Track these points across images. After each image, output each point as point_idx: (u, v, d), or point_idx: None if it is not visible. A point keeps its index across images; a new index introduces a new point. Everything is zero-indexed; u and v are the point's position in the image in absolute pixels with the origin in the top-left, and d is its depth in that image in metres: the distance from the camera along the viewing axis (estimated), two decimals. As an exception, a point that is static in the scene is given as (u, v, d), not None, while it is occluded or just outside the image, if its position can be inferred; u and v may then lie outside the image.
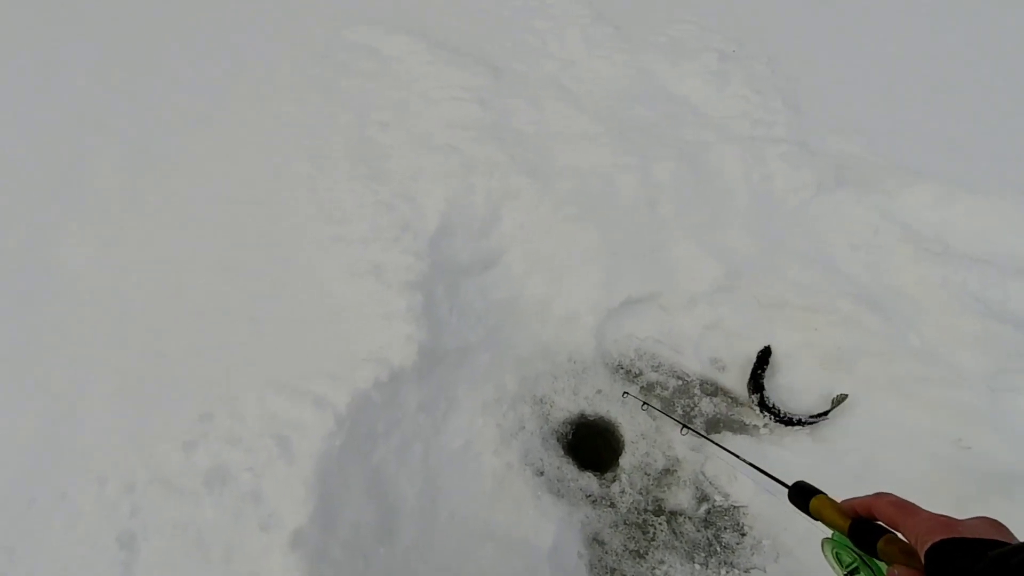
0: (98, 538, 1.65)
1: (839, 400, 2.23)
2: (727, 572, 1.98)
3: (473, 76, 3.45)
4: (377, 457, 2.00)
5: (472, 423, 2.24)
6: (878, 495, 0.62)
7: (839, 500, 0.71)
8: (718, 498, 2.13)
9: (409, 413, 2.12)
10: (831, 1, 4.45)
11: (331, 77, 3.47)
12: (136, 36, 3.83)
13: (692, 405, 2.38)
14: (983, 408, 2.13)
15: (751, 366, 2.38)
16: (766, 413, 2.27)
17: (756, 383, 2.32)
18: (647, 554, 2.03)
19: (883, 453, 2.12)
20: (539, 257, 2.65)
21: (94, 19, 3.99)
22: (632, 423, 2.31)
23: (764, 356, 2.38)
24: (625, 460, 2.23)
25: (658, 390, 2.42)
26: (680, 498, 2.14)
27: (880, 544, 0.59)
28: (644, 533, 2.08)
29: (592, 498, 2.15)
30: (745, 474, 1.66)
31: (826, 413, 2.22)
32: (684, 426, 2.00)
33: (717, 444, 1.64)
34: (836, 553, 0.69)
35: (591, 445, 2.34)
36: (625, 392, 2.34)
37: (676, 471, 2.20)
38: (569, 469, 2.22)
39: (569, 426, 2.34)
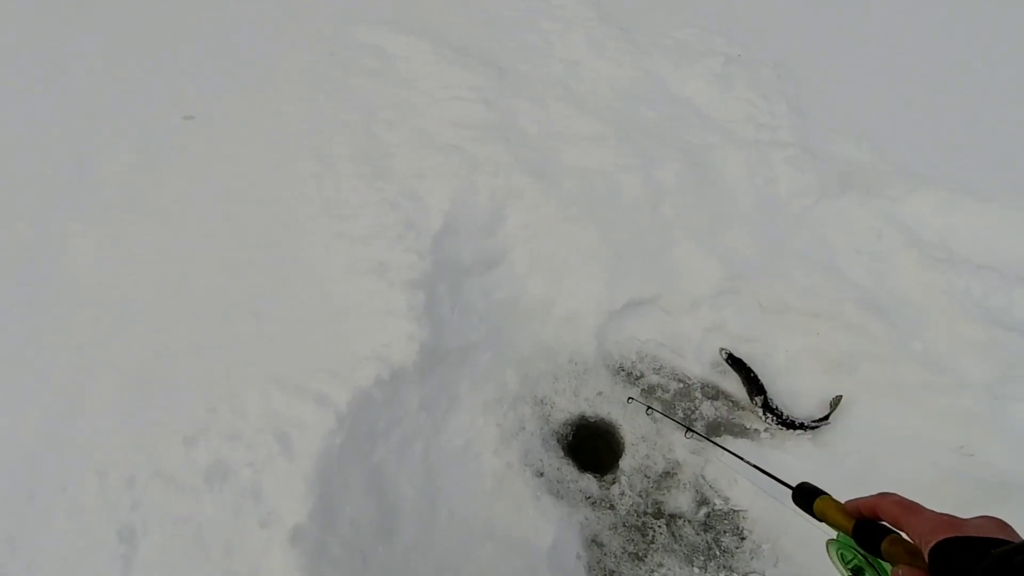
0: (98, 531, 1.65)
1: (836, 402, 2.24)
2: (726, 576, 1.98)
3: (478, 76, 3.45)
4: (377, 455, 2.00)
5: (473, 422, 2.24)
6: (882, 495, 0.62)
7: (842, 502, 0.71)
8: (718, 502, 2.12)
9: (410, 412, 2.12)
10: (837, 6, 4.46)
11: (337, 76, 3.48)
12: (142, 34, 3.84)
13: (693, 408, 2.38)
14: (986, 415, 2.12)
15: (740, 375, 2.38)
16: (769, 415, 2.26)
17: (755, 386, 2.31)
18: (646, 557, 2.03)
19: (885, 459, 2.12)
20: (542, 257, 2.65)
21: (101, 17, 4.00)
22: (632, 425, 2.30)
23: (738, 362, 2.39)
24: (625, 462, 2.23)
25: (659, 393, 2.41)
26: (680, 501, 2.13)
27: (884, 545, 0.59)
28: (643, 536, 2.07)
29: (592, 500, 2.15)
30: (748, 477, 1.65)
31: (826, 418, 2.22)
32: (688, 428, 1.99)
33: (722, 447, 1.64)
34: (840, 554, 0.69)
35: (591, 447, 2.34)
36: (630, 398, 2.34)
37: (676, 474, 2.20)
38: (569, 470, 2.21)
39: (569, 427, 2.34)
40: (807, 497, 0.74)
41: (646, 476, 2.19)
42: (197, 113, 3.19)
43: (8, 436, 1.87)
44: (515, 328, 2.53)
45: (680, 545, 2.05)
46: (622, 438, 2.30)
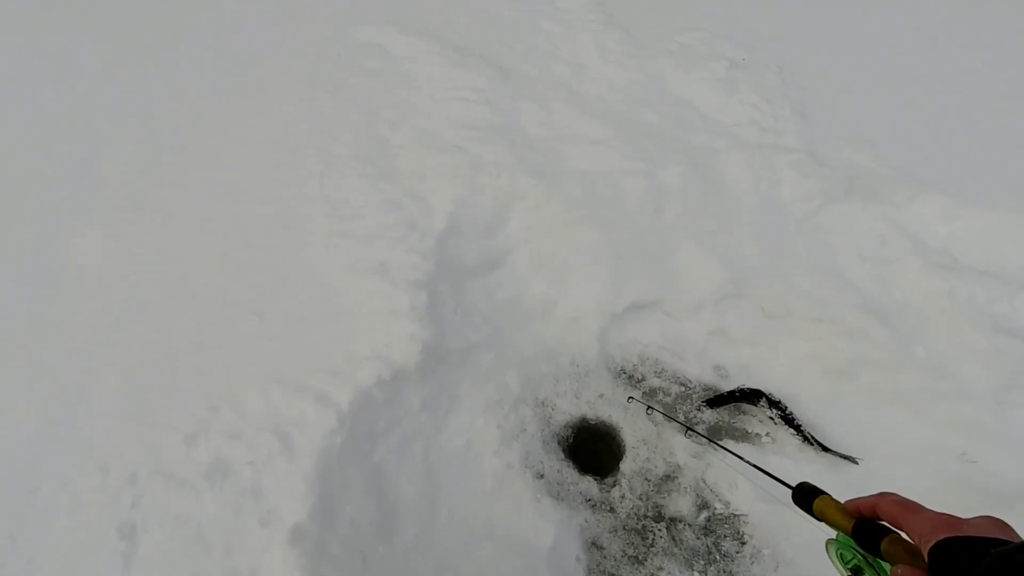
0: (99, 528, 1.66)
1: (847, 457, 2.16)
2: (726, 580, 1.97)
3: (482, 77, 3.45)
4: (378, 455, 2.00)
5: (473, 423, 2.23)
6: (882, 495, 0.62)
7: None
8: (718, 506, 2.12)
9: (411, 412, 2.12)
10: (842, 11, 4.45)
11: (341, 76, 3.49)
12: (147, 32, 3.85)
13: (694, 412, 2.37)
14: (989, 422, 2.11)
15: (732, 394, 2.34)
16: (777, 416, 2.24)
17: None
18: (646, 560, 2.02)
19: (886, 465, 2.10)
20: (544, 258, 2.65)
21: (101, 17, 4.01)
22: (633, 428, 2.30)
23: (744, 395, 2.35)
24: (626, 465, 2.22)
25: (660, 396, 2.41)
26: (680, 505, 2.12)
27: (884, 544, 0.59)
28: (643, 539, 2.06)
29: (592, 502, 2.14)
30: (749, 477, 1.65)
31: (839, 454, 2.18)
32: (689, 428, 1.99)
33: (722, 447, 1.63)
34: (840, 554, 0.68)
35: (592, 449, 2.33)
36: (631, 397, 2.33)
37: (677, 477, 2.19)
38: (569, 472, 2.21)
39: (570, 429, 2.33)
40: (807, 497, 0.74)
41: (647, 479, 2.19)
42: (197, 113, 3.20)
43: (10, 433, 1.88)
44: (517, 329, 2.53)
45: (680, 549, 2.04)
46: (623, 441, 2.29)
